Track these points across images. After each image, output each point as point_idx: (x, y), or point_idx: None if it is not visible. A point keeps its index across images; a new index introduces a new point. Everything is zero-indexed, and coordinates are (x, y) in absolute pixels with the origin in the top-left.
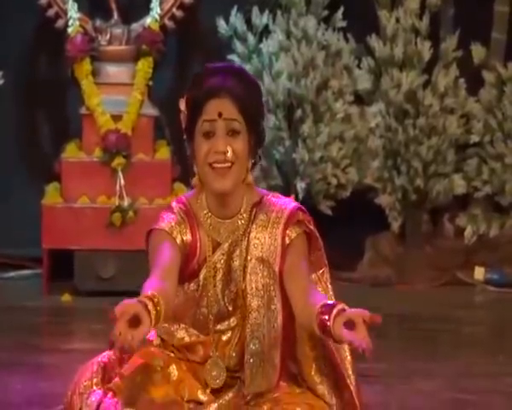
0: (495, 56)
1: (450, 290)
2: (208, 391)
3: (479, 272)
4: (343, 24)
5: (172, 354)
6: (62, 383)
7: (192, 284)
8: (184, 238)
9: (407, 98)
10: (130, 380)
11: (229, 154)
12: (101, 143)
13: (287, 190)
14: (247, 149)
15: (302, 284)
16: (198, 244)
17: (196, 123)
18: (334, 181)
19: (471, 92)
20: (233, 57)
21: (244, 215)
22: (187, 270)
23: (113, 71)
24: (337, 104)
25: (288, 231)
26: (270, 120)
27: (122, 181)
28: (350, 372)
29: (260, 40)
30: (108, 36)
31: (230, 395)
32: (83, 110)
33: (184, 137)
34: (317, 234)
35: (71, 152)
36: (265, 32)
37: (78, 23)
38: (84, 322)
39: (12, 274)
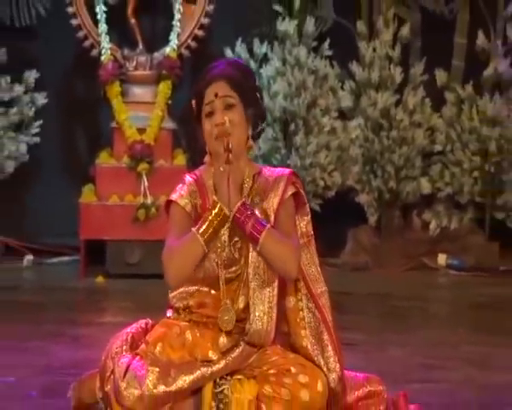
0: (455, 80)
1: (418, 274)
2: (218, 352)
3: (441, 259)
4: (329, 53)
5: (187, 323)
6: (96, 350)
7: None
8: (195, 202)
9: (382, 114)
10: (153, 345)
11: (227, 123)
12: (128, 152)
13: None
14: (243, 119)
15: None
16: (208, 204)
17: (202, 110)
18: (321, 183)
19: (435, 109)
20: None
21: (247, 180)
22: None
23: (139, 92)
24: (324, 119)
25: (285, 193)
26: (268, 133)
27: (146, 183)
28: (330, 324)
29: (260, 66)
30: (134, 63)
31: (235, 354)
32: (113, 124)
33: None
34: (306, 200)
35: (103, 159)
36: (264, 59)
37: (109, 52)
38: (114, 300)
39: (55, 260)
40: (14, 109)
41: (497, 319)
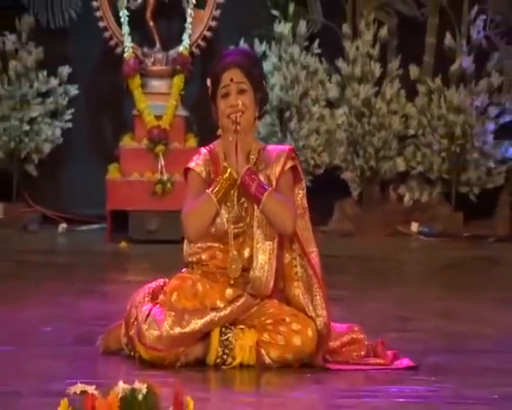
0: (426, 74)
1: (394, 239)
2: (225, 301)
3: (414, 226)
4: (318, 51)
5: (199, 276)
6: (121, 304)
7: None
8: (209, 169)
9: (363, 103)
10: (170, 295)
11: (240, 105)
12: (147, 135)
13: None
14: (253, 102)
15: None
16: (219, 171)
17: (217, 90)
18: (312, 162)
19: (409, 99)
20: None
21: (253, 152)
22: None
23: (156, 84)
24: (314, 108)
25: (285, 164)
26: (267, 119)
27: (162, 162)
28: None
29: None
30: (152, 59)
31: (239, 303)
32: (134, 112)
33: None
34: (302, 176)
35: (126, 141)
36: (263, 56)
37: (131, 50)
38: (135, 262)
39: (84, 228)
40: (50, 99)
41: (461, 277)
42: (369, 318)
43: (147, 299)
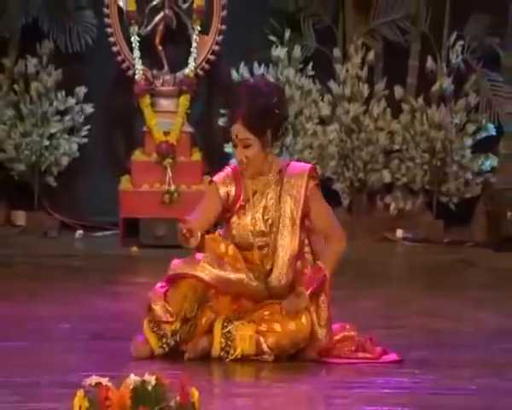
0: (409, 94)
1: (381, 245)
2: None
3: (399, 233)
4: (312, 73)
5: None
6: (132, 304)
7: (241, 212)
8: (228, 189)
9: (353, 121)
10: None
11: (244, 160)
12: (156, 150)
13: None
14: (259, 150)
15: (324, 221)
16: (242, 190)
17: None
18: None
19: (394, 117)
20: None
21: (272, 174)
22: (235, 207)
23: (164, 103)
24: (308, 125)
25: (309, 183)
26: None
27: (170, 174)
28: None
29: None
30: (161, 81)
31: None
32: (145, 128)
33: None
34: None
35: (137, 155)
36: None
37: (141, 72)
38: (145, 265)
39: (99, 234)
40: (68, 117)
41: (442, 279)
42: (359, 315)
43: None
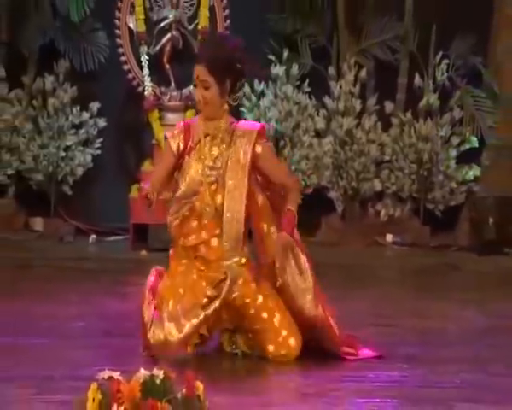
0: (398, 109)
1: (372, 249)
2: (212, 290)
3: (389, 237)
4: (308, 89)
5: (184, 261)
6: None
7: (192, 152)
8: (179, 139)
9: (346, 134)
10: (165, 303)
11: (202, 101)
12: None
13: None
14: (217, 94)
15: (278, 172)
16: (191, 136)
17: None
18: (302, 183)
19: (384, 130)
20: (242, 109)
21: (224, 121)
22: (186, 149)
23: (172, 117)
24: (304, 137)
25: (257, 144)
26: None
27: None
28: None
29: (259, 99)
30: (169, 96)
31: (224, 290)
32: (153, 141)
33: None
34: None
35: (147, 166)
36: (262, 94)
37: (150, 89)
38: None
39: (111, 238)
40: (83, 130)
41: (428, 281)
42: (351, 314)
43: (148, 301)
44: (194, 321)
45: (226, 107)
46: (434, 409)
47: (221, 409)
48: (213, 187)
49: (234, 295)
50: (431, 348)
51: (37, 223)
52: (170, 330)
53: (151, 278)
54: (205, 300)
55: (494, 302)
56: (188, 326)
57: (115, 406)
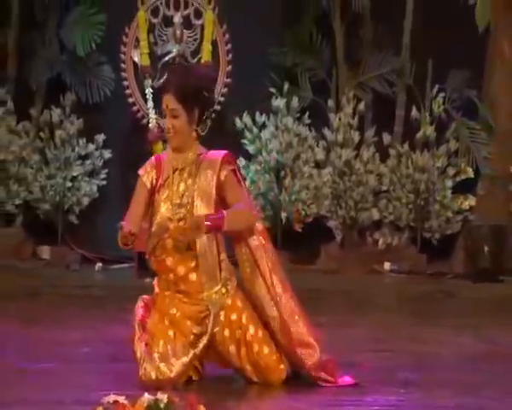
0: (396, 140)
1: (370, 276)
2: (197, 327)
3: (386, 265)
4: (308, 121)
5: (167, 293)
6: None
7: (161, 190)
8: (151, 175)
9: (345, 164)
10: (156, 345)
11: (171, 129)
12: None
13: (275, 218)
14: (186, 121)
15: (239, 201)
16: (161, 171)
17: None
18: (303, 212)
19: (382, 161)
20: (244, 141)
21: (192, 154)
22: (157, 185)
23: None
24: (305, 168)
25: (221, 171)
26: (266, 177)
27: None
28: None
29: (260, 130)
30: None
31: (209, 325)
32: None
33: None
34: (240, 176)
35: None
36: (263, 126)
37: (155, 121)
38: None
39: (116, 266)
40: (88, 161)
41: (425, 307)
42: (349, 339)
43: (138, 336)
44: (185, 359)
45: (195, 135)
46: None
47: None
48: (182, 223)
49: (215, 330)
50: (427, 372)
51: (45, 251)
52: (161, 370)
53: (139, 311)
54: (192, 337)
55: (488, 329)
56: (178, 365)
57: None
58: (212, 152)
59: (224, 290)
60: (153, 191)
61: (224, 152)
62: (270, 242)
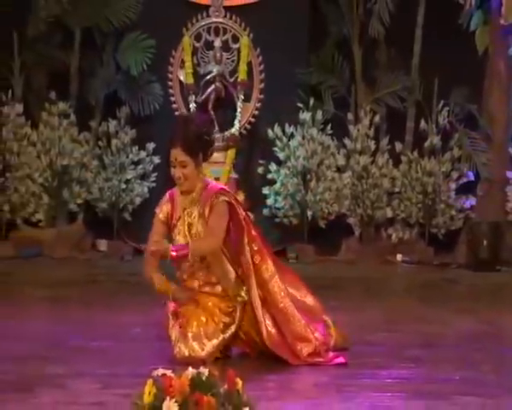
0: (407, 148)
1: (385, 266)
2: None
3: (399, 257)
4: (331, 132)
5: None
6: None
7: (175, 229)
8: (167, 209)
9: (363, 169)
10: (189, 325)
11: (182, 178)
12: None
13: (302, 216)
14: (193, 169)
15: (211, 224)
16: (175, 210)
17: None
18: (326, 211)
19: (395, 166)
20: (275, 149)
21: (196, 192)
22: (172, 221)
23: (215, 156)
24: (328, 172)
25: (212, 201)
26: (294, 181)
27: None
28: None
29: (289, 140)
30: (212, 138)
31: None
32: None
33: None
34: (238, 208)
35: None
36: (292, 136)
37: None
38: None
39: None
40: (140, 166)
41: (431, 293)
42: (365, 321)
43: (172, 324)
44: (215, 341)
45: (202, 175)
46: (437, 402)
47: (256, 401)
48: (192, 268)
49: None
50: (433, 349)
51: (102, 244)
52: (193, 348)
53: (172, 303)
54: (222, 325)
55: (487, 312)
56: (209, 345)
57: (168, 398)
58: (211, 185)
59: (243, 294)
60: (168, 224)
61: (220, 187)
62: (268, 248)
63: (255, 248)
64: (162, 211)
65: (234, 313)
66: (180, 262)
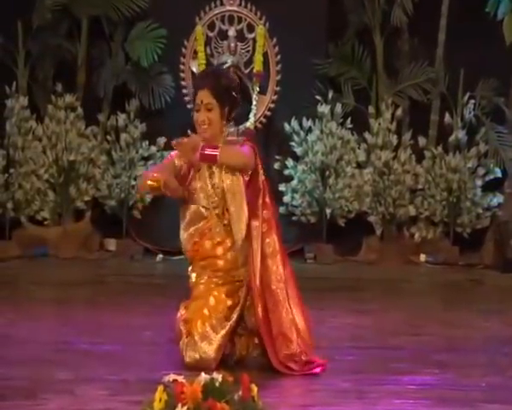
0: (430, 143)
1: (408, 266)
2: (231, 299)
3: (422, 257)
4: (351, 126)
5: (205, 279)
6: None
7: (193, 183)
8: (182, 163)
9: (384, 165)
10: (195, 326)
11: (206, 121)
12: None
13: (321, 214)
14: (219, 116)
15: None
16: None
17: (194, 104)
18: (346, 209)
19: (418, 162)
20: (292, 143)
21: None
22: (186, 179)
23: None
24: (347, 168)
25: (239, 143)
26: (312, 177)
27: None
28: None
29: (307, 134)
30: (227, 132)
31: (242, 297)
32: None
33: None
34: (260, 168)
35: None
36: (310, 130)
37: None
38: None
39: (176, 258)
40: (151, 162)
41: (457, 295)
42: (388, 324)
43: (182, 326)
44: (223, 332)
45: (225, 131)
46: (462, 409)
47: (273, 408)
48: (217, 211)
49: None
50: (458, 354)
51: (111, 243)
52: (203, 349)
53: (182, 312)
54: (226, 311)
55: None
56: (217, 339)
57: (179, 405)
58: (235, 141)
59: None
60: (180, 176)
61: (243, 139)
62: (277, 227)
63: (265, 217)
64: (179, 159)
65: (239, 292)
66: (197, 216)
